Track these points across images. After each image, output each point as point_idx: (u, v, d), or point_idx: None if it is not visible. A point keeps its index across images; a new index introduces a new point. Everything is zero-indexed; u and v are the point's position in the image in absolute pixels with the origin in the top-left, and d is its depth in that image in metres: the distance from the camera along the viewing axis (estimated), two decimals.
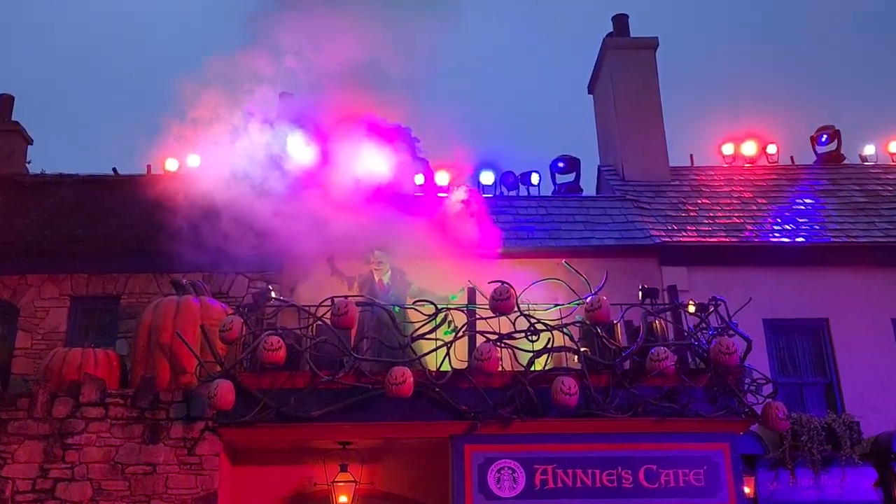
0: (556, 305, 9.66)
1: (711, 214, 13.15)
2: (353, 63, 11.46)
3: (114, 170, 13.61)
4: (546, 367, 9.11)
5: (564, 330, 9.30)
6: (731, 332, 9.34)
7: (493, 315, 9.20)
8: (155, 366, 9.51)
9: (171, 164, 13.54)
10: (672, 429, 9.07)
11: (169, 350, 9.53)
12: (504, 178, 14.26)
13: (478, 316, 9.43)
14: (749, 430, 9.65)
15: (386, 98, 11.57)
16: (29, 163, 14.92)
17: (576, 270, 9.96)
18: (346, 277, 10.70)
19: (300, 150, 11.65)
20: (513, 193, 14.23)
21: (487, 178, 14.24)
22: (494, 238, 11.84)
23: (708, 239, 12.38)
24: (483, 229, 11.48)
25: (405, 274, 10.55)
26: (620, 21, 15.45)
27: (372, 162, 11.73)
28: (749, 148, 15.29)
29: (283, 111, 12.07)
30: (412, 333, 9.24)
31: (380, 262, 10.55)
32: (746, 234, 12.51)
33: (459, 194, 11.87)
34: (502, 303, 9.00)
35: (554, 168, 14.79)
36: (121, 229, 12.01)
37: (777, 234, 12.51)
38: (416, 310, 9.38)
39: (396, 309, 9.68)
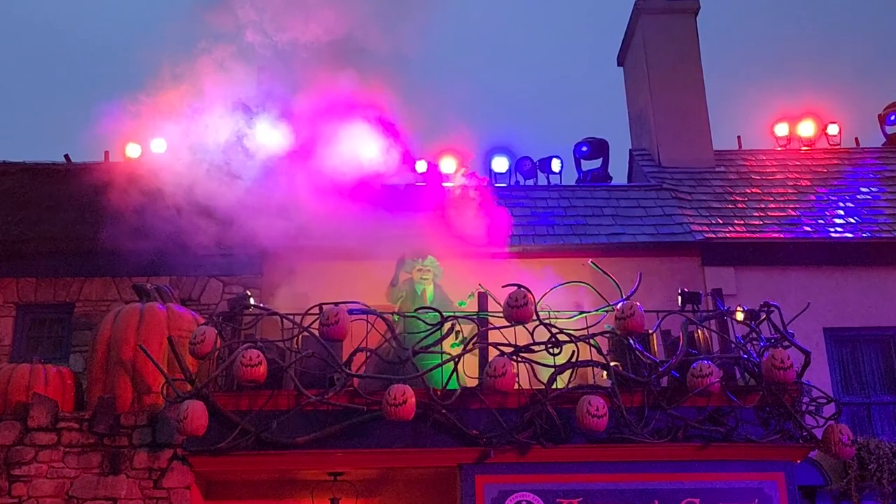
0: (582, 313, 9.67)
1: (762, 206, 13.14)
2: (334, 37, 11.55)
3: (66, 157, 13.64)
4: (570, 385, 9.11)
5: (591, 341, 9.29)
6: (786, 343, 9.33)
7: (507, 324, 9.20)
8: (115, 384, 9.53)
9: (133, 150, 13.56)
10: (718, 456, 9.07)
11: (131, 366, 9.55)
12: (520, 164, 14.27)
13: (490, 325, 9.43)
14: (808, 458, 9.64)
15: (373, 75, 11.65)
16: None
17: (604, 272, 9.96)
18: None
19: (279, 136, 11.69)
20: (530, 182, 14.25)
21: (500, 164, 14.26)
22: (508, 234, 11.86)
23: (758, 234, 12.37)
24: (495, 223, 11.51)
25: (442, 289, 10.51)
26: None
27: (362, 148, 11.79)
28: (806, 128, 15.28)
29: (263, 91, 12.12)
30: (414, 346, 9.25)
31: (426, 271, 10.43)
32: (803, 228, 12.49)
33: (461, 180, 11.87)
34: (519, 310, 9.00)
35: (577, 153, 14.80)
36: (75, 226, 12.04)
37: (839, 229, 12.48)
38: (417, 318, 9.39)
39: (396, 317, 9.70)
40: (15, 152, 14.28)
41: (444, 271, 10.57)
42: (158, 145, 12.87)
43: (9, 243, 11.90)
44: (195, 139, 11.82)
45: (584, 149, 14.80)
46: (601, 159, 14.78)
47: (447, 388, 9.07)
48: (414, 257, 10.54)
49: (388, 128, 11.98)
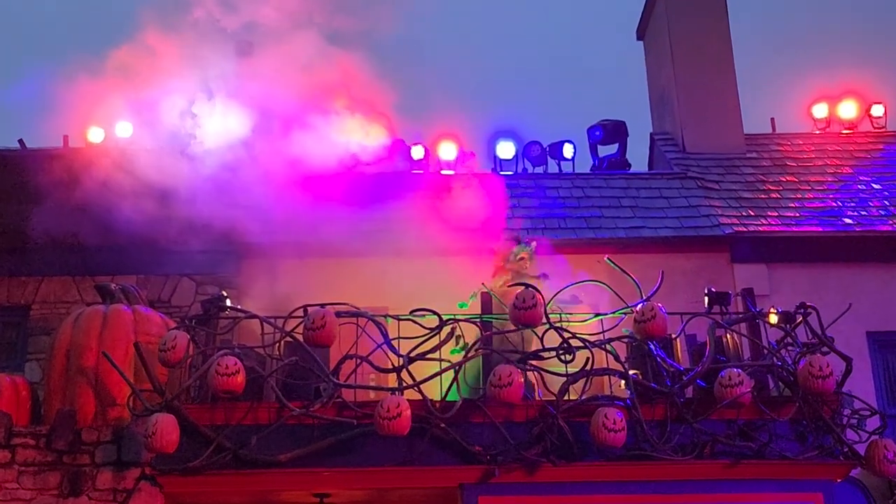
0: (597, 315, 9.67)
1: (799, 196, 13.16)
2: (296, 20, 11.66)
3: (20, 142, 13.65)
4: (584, 396, 9.11)
5: (608, 347, 9.30)
6: (824, 348, 9.34)
7: (514, 328, 9.20)
8: (75, 396, 9.53)
9: (95, 135, 13.58)
10: (749, 475, 9.08)
11: (93, 375, 9.56)
12: (528, 150, 14.29)
13: (495, 329, 9.44)
14: (849, 477, 9.65)
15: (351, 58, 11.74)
16: None
17: (622, 270, 9.95)
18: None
19: (252, 123, 11.75)
20: (539, 170, 14.27)
21: (506, 150, 14.26)
22: (513, 227, 11.88)
23: (794, 228, 12.39)
24: (498, 215, 11.53)
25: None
26: None
27: (345, 135, 11.85)
28: (848, 110, 15.30)
29: (230, 74, 12.18)
30: (409, 353, 9.25)
31: (521, 259, 10.26)
32: (844, 221, 12.51)
33: (461, 167, 11.88)
34: (527, 312, 9.00)
35: (591, 137, 14.78)
36: (30, 219, 12.03)
37: (886, 222, 12.50)
38: (414, 321, 9.39)
39: (389, 320, 9.70)
40: None
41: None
42: (123, 129, 12.89)
43: None
44: (163, 123, 11.87)
45: (598, 133, 14.77)
46: (617, 144, 14.76)
47: (446, 399, 9.06)
48: (508, 250, 10.39)
49: (371, 112, 12.05)
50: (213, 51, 12.12)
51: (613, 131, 14.79)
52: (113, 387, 9.48)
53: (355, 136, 12.61)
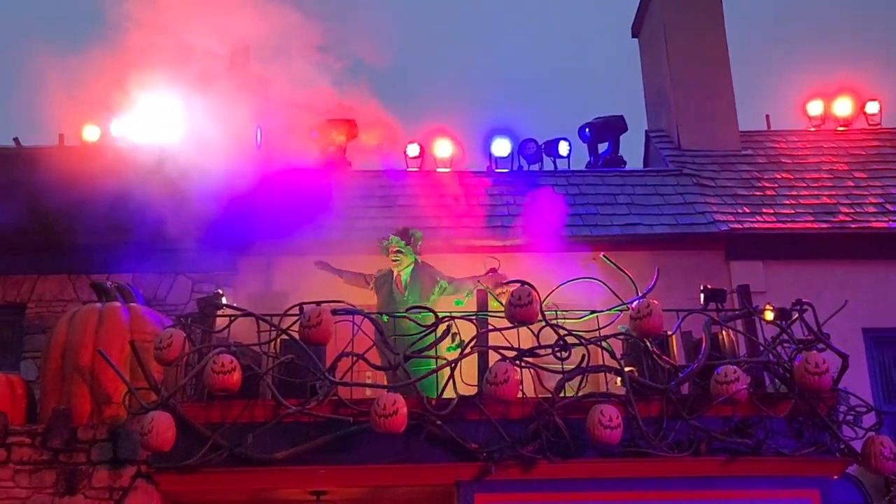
0: (593, 313, 9.67)
1: (794, 193, 13.16)
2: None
3: (15, 140, 13.61)
4: (580, 393, 9.10)
5: (603, 344, 9.29)
6: (821, 345, 9.34)
7: (510, 326, 9.20)
8: (71, 394, 9.52)
9: (91, 133, 13.56)
10: (745, 472, 9.07)
11: (89, 374, 9.54)
12: (523, 147, 14.27)
13: (491, 327, 9.43)
14: (845, 473, 9.64)
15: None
16: None
17: (617, 267, 9.96)
18: (345, 273, 10.80)
19: (251, 117, 11.75)
20: (535, 167, 14.24)
21: (501, 147, 14.23)
22: (508, 225, 11.90)
23: (790, 225, 12.40)
24: (495, 212, 11.54)
25: (431, 267, 10.56)
26: None
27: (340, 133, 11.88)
28: (843, 107, 15.29)
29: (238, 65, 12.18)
30: (405, 350, 9.24)
31: (398, 252, 10.58)
32: (840, 217, 12.52)
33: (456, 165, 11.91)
34: (522, 309, 8.99)
35: (582, 137, 14.73)
36: (25, 218, 12.00)
37: (881, 218, 12.50)
38: (409, 318, 9.38)
39: (385, 318, 9.70)
40: None
41: (422, 237, 10.70)
42: (119, 127, 12.85)
43: None
44: (159, 120, 11.85)
45: (587, 132, 14.64)
46: (608, 142, 14.70)
47: (442, 396, 9.06)
48: (384, 240, 10.67)
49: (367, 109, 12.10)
50: (208, 49, 12.12)
51: (603, 129, 14.70)
52: (109, 385, 9.46)
53: (350, 134, 12.63)
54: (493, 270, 10.51)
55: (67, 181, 11.40)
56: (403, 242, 10.64)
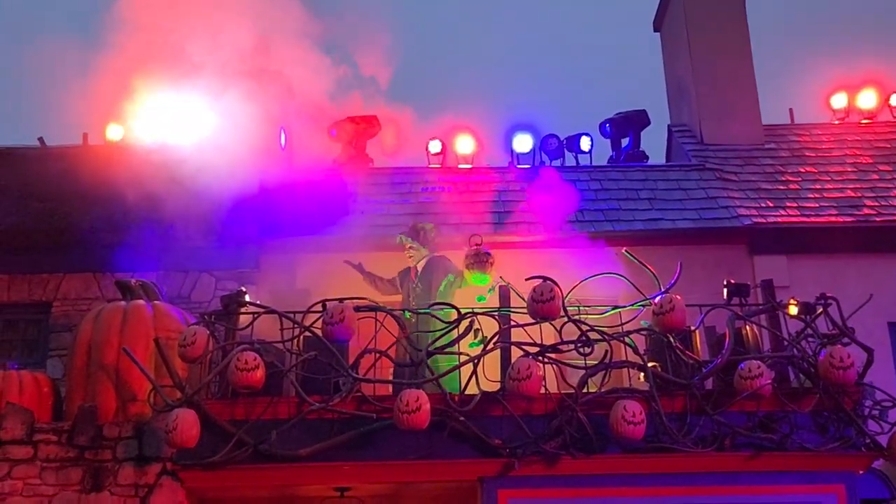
0: (616, 308, 9.65)
1: (818, 186, 13.09)
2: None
3: (40, 140, 13.71)
4: (603, 389, 9.08)
5: (626, 340, 9.27)
6: (845, 339, 9.28)
7: (532, 321, 9.19)
8: (97, 392, 9.57)
9: (114, 132, 13.64)
10: (770, 467, 9.02)
11: (114, 371, 9.59)
12: (545, 143, 14.25)
13: (513, 323, 9.42)
14: (871, 468, 9.59)
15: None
16: None
17: (640, 262, 9.93)
18: (377, 280, 10.87)
19: (274, 117, 11.78)
20: (556, 163, 14.23)
21: (523, 143, 14.22)
22: (528, 221, 11.88)
23: (814, 219, 12.34)
24: (516, 208, 11.53)
25: (447, 260, 10.60)
26: None
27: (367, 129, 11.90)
28: (868, 99, 15.21)
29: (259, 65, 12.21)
30: (428, 346, 9.25)
31: (410, 248, 10.72)
32: (865, 211, 12.44)
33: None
34: (545, 305, 8.98)
35: (603, 130, 14.70)
36: (51, 217, 12.10)
37: None
38: (432, 314, 9.38)
39: (407, 315, 9.70)
40: None
41: (433, 227, 10.82)
42: (143, 126, 12.91)
43: None
44: (182, 119, 11.89)
45: (607, 128, 14.62)
46: (630, 137, 14.66)
47: (465, 392, 9.06)
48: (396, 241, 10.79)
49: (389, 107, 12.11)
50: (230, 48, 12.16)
51: (625, 124, 14.70)
52: (133, 382, 9.51)
53: (371, 132, 12.64)
54: (476, 245, 10.46)
55: (92, 180, 11.49)
56: (411, 239, 10.74)
